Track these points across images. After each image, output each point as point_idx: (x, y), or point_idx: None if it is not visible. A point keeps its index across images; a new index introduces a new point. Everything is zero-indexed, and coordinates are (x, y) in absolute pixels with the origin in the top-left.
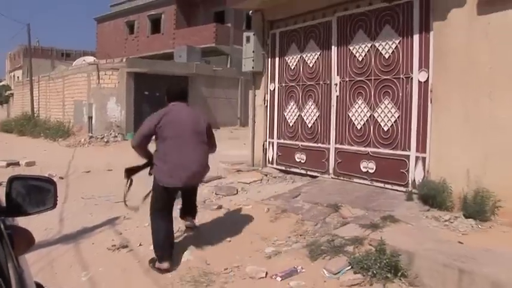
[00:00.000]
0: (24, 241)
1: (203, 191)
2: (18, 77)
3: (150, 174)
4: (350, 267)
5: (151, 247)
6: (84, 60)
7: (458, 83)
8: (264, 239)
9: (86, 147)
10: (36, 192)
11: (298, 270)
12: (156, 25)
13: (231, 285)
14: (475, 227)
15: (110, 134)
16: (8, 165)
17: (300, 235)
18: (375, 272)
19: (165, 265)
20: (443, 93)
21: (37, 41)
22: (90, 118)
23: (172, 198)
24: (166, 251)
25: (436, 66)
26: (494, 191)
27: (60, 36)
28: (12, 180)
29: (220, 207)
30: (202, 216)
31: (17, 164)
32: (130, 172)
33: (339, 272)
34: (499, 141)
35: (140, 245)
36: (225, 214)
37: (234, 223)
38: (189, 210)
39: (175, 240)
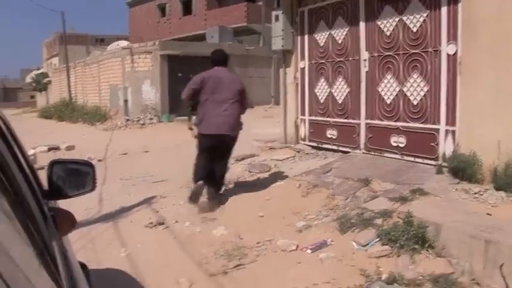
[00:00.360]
0: (67, 222)
1: (237, 169)
2: (55, 64)
3: (195, 137)
4: (378, 239)
5: (187, 223)
6: (118, 45)
7: (488, 55)
8: (296, 214)
9: (122, 130)
10: (76, 175)
11: (328, 243)
12: (187, 7)
13: (263, 258)
14: (505, 199)
15: (146, 116)
16: (49, 149)
17: (331, 209)
18: (402, 243)
19: (199, 182)
20: (472, 66)
21: (72, 28)
22: (125, 101)
23: (210, 145)
24: (201, 177)
25: (465, 39)
26: None
27: (95, 22)
28: (52, 164)
29: (254, 184)
30: (236, 192)
31: (58, 148)
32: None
33: (367, 244)
34: None
35: (176, 222)
36: (258, 190)
37: (266, 199)
38: (215, 181)
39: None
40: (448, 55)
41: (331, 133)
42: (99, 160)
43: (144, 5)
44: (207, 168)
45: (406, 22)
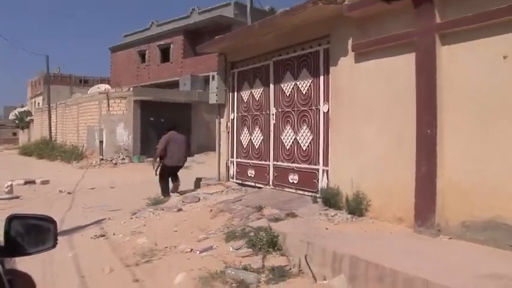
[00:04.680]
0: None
1: (174, 200)
2: (38, 103)
3: (156, 174)
4: (246, 245)
5: (120, 235)
6: (98, 88)
7: (345, 113)
8: (201, 230)
9: (96, 168)
10: (36, 231)
11: (213, 247)
12: (165, 54)
13: (166, 257)
14: (349, 220)
15: (119, 156)
16: (26, 182)
17: (227, 227)
18: (259, 247)
19: (166, 197)
20: (336, 121)
21: (57, 68)
22: (101, 142)
23: (170, 172)
24: (166, 193)
25: (333, 100)
26: (367, 193)
27: (79, 63)
28: (11, 219)
29: (180, 210)
30: (163, 215)
31: (33, 182)
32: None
33: (239, 248)
34: (369, 157)
35: (114, 234)
36: (180, 214)
37: (183, 219)
38: (175, 179)
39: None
40: (324, 112)
41: (251, 172)
42: (69, 193)
43: (125, 51)
44: (167, 187)
45: (299, 86)
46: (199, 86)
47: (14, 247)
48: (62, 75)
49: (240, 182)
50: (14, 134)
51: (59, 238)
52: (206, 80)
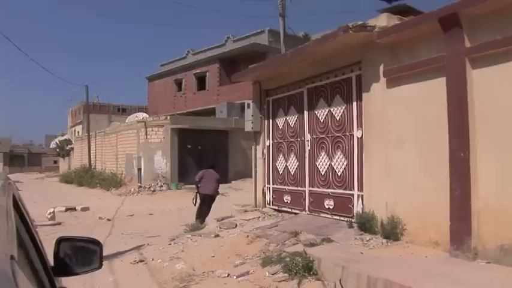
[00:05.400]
0: None
1: (211, 226)
2: (78, 132)
3: (194, 204)
4: (282, 270)
5: (159, 261)
6: (136, 116)
7: (378, 138)
8: (238, 255)
9: (135, 196)
10: (83, 252)
11: (250, 272)
12: (201, 82)
13: (204, 281)
14: (384, 244)
15: (157, 184)
16: (67, 209)
17: (264, 252)
18: (295, 272)
19: (202, 223)
20: (370, 146)
21: (96, 97)
22: (139, 170)
23: (205, 201)
24: (202, 219)
25: (366, 126)
26: (402, 217)
27: (118, 93)
28: (60, 241)
29: (217, 236)
30: (201, 242)
31: (74, 209)
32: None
33: (275, 273)
34: (403, 181)
35: (153, 259)
36: (218, 240)
37: (220, 245)
38: (206, 214)
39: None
40: (358, 138)
41: (287, 198)
42: (108, 219)
43: (162, 80)
44: (203, 214)
45: (333, 112)
46: (235, 113)
47: (63, 267)
48: (100, 104)
49: (277, 207)
50: (55, 162)
51: None
52: (242, 107)
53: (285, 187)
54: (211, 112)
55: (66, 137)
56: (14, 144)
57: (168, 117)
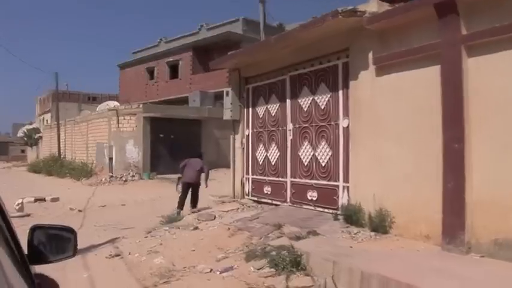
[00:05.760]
0: None
1: (189, 218)
2: (47, 120)
3: (177, 191)
4: (268, 264)
5: (136, 255)
6: (107, 105)
7: (366, 127)
8: (220, 249)
9: (106, 185)
10: (57, 240)
11: (234, 267)
12: (174, 71)
13: (185, 277)
14: (373, 237)
15: (129, 173)
16: (36, 200)
17: (246, 246)
18: (282, 267)
19: (179, 210)
20: (357, 136)
21: (66, 85)
22: (110, 159)
23: (187, 188)
24: (181, 207)
25: (353, 115)
26: (391, 210)
27: (88, 80)
28: (34, 229)
29: (196, 228)
30: (180, 233)
31: (43, 199)
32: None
33: (261, 268)
34: (392, 172)
35: (129, 254)
36: (197, 233)
37: (200, 238)
38: (194, 202)
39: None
40: (344, 127)
41: (267, 189)
42: (79, 210)
43: (134, 68)
44: (183, 201)
45: (317, 101)
46: (209, 102)
47: (37, 255)
48: (70, 92)
49: (256, 199)
50: (23, 151)
51: (73, 258)
52: (216, 96)
53: (265, 178)
54: (183, 101)
55: (34, 125)
56: None
57: (141, 106)
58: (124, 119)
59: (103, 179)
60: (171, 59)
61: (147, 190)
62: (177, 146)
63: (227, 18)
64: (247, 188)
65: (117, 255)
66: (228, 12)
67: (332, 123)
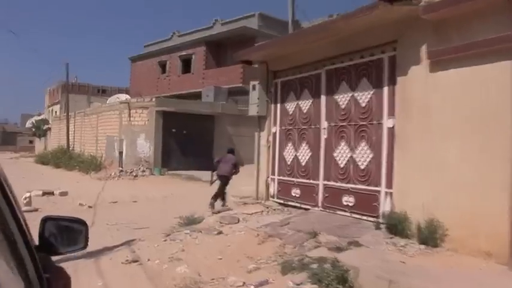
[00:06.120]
0: (61, 285)
1: (209, 220)
2: (56, 112)
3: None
4: (310, 280)
5: (157, 261)
6: (117, 98)
7: (416, 128)
8: (249, 258)
9: (116, 180)
10: (68, 232)
11: (269, 281)
12: (186, 65)
13: None
14: (423, 251)
15: (139, 168)
16: (44, 194)
17: (280, 255)
18: (327, 283)
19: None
20: (405, 137)
21: (75, 77)
22: (120, 153)
23: (222, 181)
24: (219, 198)
25: (401, 114)
26: (444, 221)
27: (98, 73)
28: (45, 220)
29: (220, 232)
30: (202, 240)
31: (52, 193)
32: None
33: (301, 283)
34: (448, 179)
35: (148, 260)
36: (222, 238)
37: (227, 245)
38: (223, 197)
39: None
40: (388, 128)
41: (296, 191)
42: (90, 206)
43: (146, 61)
44: (222, 191)
45: (357, 98)
46: (222, 98)
47: (47, 247)
48: (79, 84)
49: (282, 201)
50: (31, 142)
51: (85, 262)
52: (230, 92)
53: (293, 179)
54: (195, 96)
55: (43, 116)
56: None
57: (153, 99)
58: (136, 112)
59: (112, 173)
60: (184, 53)
61: (158, 186)
62: (189, 142)
63: (242, 13)
64: (273, 189)
65: (135, 260)
66: (243, 8)
67: (374, 122)
